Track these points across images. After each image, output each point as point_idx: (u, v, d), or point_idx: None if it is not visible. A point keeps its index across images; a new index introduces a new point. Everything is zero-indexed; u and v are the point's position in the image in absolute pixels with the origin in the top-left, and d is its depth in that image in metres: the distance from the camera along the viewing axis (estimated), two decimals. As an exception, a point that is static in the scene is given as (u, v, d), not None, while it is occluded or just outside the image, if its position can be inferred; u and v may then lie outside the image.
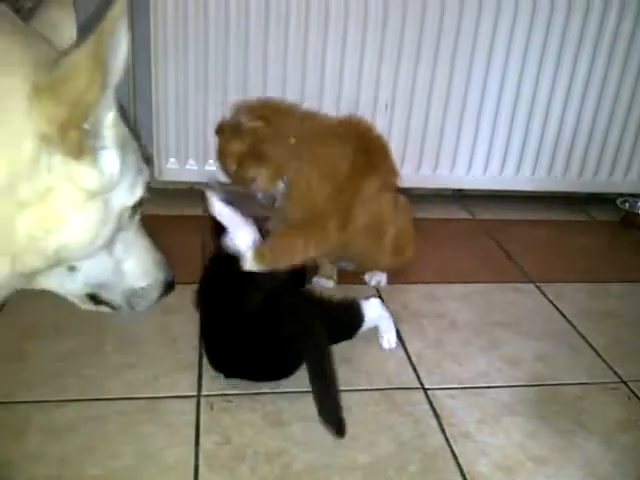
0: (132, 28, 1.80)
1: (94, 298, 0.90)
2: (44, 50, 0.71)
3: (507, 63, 1.90)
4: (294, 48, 1.78)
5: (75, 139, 0.67)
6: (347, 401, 1.17)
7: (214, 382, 1.19)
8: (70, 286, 0.85)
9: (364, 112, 1.85)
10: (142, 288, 0.91)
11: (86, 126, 0.67)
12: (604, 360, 1.36)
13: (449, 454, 1.07)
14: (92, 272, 0.83)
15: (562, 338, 1.43)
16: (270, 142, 1.36)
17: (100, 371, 1.16)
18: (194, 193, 2.05)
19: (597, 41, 1.91)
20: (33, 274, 0.77)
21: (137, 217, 0.87)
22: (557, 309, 1.55)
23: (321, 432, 1.09)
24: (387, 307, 1.38)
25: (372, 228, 1.51)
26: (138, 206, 0.83)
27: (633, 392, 1.27)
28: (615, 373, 1.32)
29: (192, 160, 1.88)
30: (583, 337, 1.44)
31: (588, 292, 1.65)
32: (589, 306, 1.58)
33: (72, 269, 0.81)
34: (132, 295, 0.91)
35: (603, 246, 1.97)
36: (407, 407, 1.18)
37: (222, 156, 1.40)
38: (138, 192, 0.81)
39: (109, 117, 0.71)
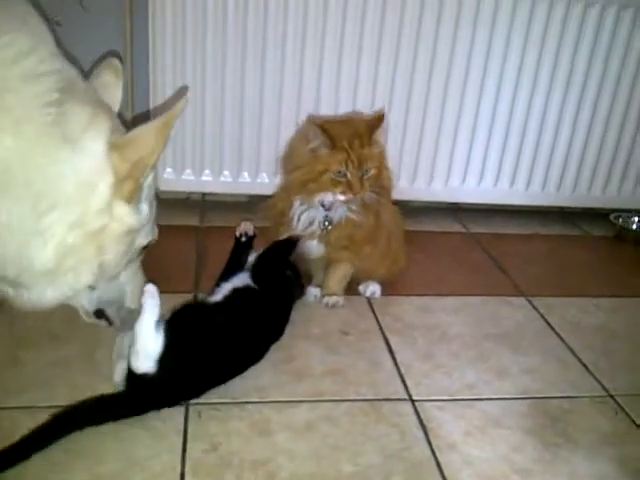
0: (131, 39, 1.83)
1: (99, 313, 1.13)
2: (113, 116, 0.94)
3: (501, 78, 1.92)
4: (291, 51, 1.79)
5: (131, 189, 0.89)
6: (334, 411, 1.18)
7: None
8: (87, 302, 1.10)
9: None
10: (132, 310, 1.11)
11: (141, 180, 0.90)
12: (592, 374, 1.37)
13: (434, 465, 1.08)
14: (104, 292, 1.08)
15: (551, 351, 1.44)
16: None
17: (90, 378, 1.17)
18: (190, 203, 2.06)
19: (590, 57, 1.94)
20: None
21: (142, 255, 1.13)
22: (547, 323, 1.56)
23: (307, 442, 1.10)
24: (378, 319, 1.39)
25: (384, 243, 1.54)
26: (146, 247, 1.09)
27: (620, 406, 1.27)
28: (603, 387, 1.33)
29: (189, 170, 1.89)
30: (572, 351, 1.45)
31: (579, 306, 1.65)
32: (579, 320, 1.59)
33: (92, 289, 1.06)
34: (126, 314, 1.13)
35: (596, 261, 1.98)
36: (394, 418, 1.18)
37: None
38: (151, 236, 1.07)
39: (150, 177, 0.95)
